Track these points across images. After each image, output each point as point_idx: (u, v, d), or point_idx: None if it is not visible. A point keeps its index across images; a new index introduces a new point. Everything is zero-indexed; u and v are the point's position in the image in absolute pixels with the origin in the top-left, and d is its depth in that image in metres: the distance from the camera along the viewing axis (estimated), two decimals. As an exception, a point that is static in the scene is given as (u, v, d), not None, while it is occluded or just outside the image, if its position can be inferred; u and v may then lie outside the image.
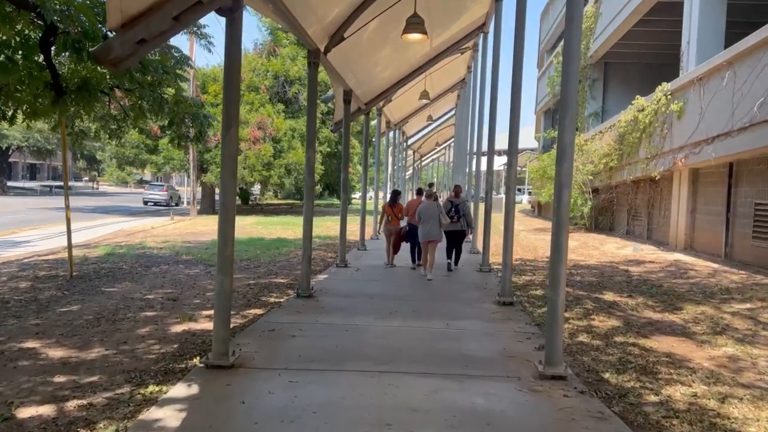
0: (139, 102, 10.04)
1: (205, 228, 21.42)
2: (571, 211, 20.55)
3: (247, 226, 22.35)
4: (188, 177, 29.29)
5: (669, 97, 14.59)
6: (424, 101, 22.44)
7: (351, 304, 7.95)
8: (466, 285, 9.84)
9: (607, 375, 5.18)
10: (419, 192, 12.87)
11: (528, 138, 55.36)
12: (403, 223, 12.05)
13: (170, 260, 12.28)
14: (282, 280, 10.07)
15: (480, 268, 11.49)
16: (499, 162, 55.40)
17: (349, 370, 5.14)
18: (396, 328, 6.73)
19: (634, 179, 17.27)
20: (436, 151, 45.05)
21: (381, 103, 17.91)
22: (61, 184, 62.57)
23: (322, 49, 8.96)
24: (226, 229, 5.17)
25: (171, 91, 9.92)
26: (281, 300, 8.31)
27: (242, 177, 27.25)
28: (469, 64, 20.59)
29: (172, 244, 15.37)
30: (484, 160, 20.27)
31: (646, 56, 23.16)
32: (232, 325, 6.86)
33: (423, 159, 47.34)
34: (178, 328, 6.72)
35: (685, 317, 7.47)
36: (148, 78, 9.45)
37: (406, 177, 39.93)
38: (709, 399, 4.52)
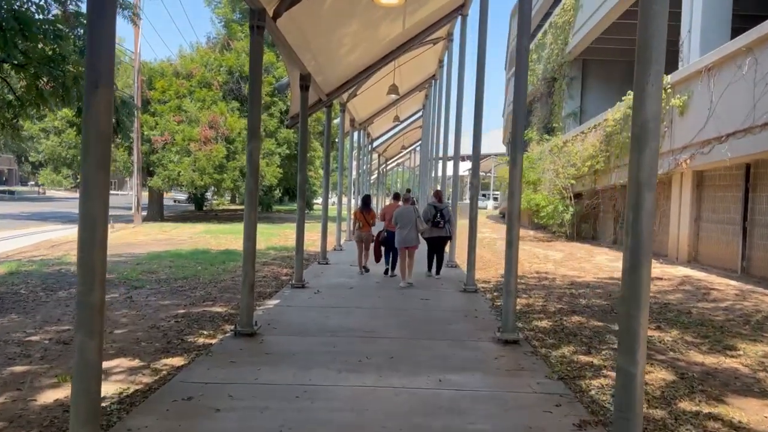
0: (36, 82, 7.86)
1: (146, 238, 19.03)
2: (551, 219, 18.97)
3: (194, 235, 20.03)
4: (132, 180, 26.68)
5: (669, 91, 13.03)
6: (392, 98, 20.59)
7: (306, 347, 5.93)
8: (451, 312, 7.92)
9: (705, 485, 3.30)
10: (396, 197, 11.85)
11: (494, 142, 54.24)
12: (375, 229, 11.33)
13: (86, 281, 10.01)
14: (220, 309, 7.95)
15: (464, 288, 9.60)
16: (464, 167, 54.29)
17: (296, 489, 3.15)
18: (369, 390, 4.73)
19: (624, 183, 15.69)
20: (401, 154, 43.30)
21: (345, 97, 15.95)
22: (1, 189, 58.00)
23: (270, 12, 6.94)
24: (90, 255, 3.12)
25: (75, 69, 7.73)
26: (213, 341, 6.23)
27: (192, 181, 24.85)
28: (441, 58, 18.85)
29: (98, 258, 13.03)
30: (451, 164, 18.51)
31: (628, 53, 21.76)
32: (132, 389, 4.78)
33: (388, 163, 45.50)
34: (49, 397, 4.58)
35: (747, 362, 5.69)
36: (41, 47, 7.31)
37: (371, 181, 37.94)
38: None
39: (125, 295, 8.81)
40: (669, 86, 13.04)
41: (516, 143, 6.30)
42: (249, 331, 6.29)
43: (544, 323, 7.33)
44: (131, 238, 18.74)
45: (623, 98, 15.18)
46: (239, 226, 26.06)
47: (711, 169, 11.99)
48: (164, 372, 5.21)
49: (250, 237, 6.42)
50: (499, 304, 8.57)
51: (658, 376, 5.21)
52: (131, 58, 26.01)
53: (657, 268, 12.30)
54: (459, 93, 13.27)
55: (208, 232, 21.51)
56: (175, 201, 41.80)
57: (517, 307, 8.24)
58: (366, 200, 11.72)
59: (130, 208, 37.94)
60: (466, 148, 16.22)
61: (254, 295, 6.83)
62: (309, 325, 6.88)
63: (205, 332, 6.64)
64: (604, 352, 5.94)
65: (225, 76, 26.88)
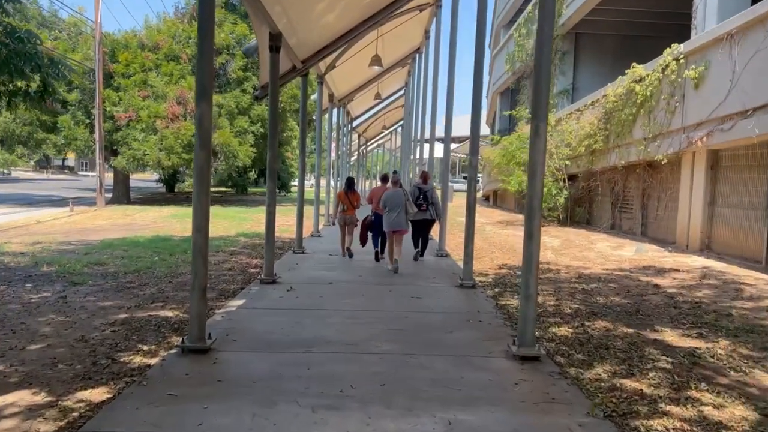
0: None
1: (105, 222, 17.45)
2: (544, 202, 17.76)
3: (159, 220, 18.48)
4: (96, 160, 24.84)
5: (682, 62, 11.79)
6: (374, 72, 19.20)
7: (271, 369, 4.60)
8: (450, 314, 6.63)
9: None
10: (384, 179, 11.09)
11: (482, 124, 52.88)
12: (360, 212, 10.83)
13: (18, 275, 8.53)
14: (170, 313, 6.57)
15: (461, 283, 8.30)
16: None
17: None
18: (355, 443, 3.43)
19: (625, 164, 14.50)
20: (382, 135, 41.83)
21: (323, 68, 14.50)
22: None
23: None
24: None
25: None
26: (152, 361, 4.86)
27: (158, 161, 23.17)
28: (427, 28, 17.44)
29: (43, 246, 11.51)
30: (434, 146, 17.10)
31: (624, 26, 20.55)
32: (19, 446, 3.40)
33: (369, 144, 44.02)
34: None
35: (832, 386, 4.50)
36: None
37: (350, 163, 36.35)
38: None
39: (59, 294, 7.37)
40: (681, 56, 11.81)
41: (539, 107, 4.97)
42: (200, 346, 4.93)
43: (564, 330, 6.08)
44: (89, 223, 17.14)
45: (626, 71, 13.94)
46: (210, 210, 24.26)
47: (730, 148, 10.82)
48: (75, 414, 3.85)
49: (200, 227, 5.02)
50: (504, 303, 7.33)
51: (734, 413, 3.97)
52: (92, 28, 24.10)
53: (669, 257, 11.17)
54: (451, 61, 11.91)
55: (176, 216, 19.95)
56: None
57: (526, 308, 7.04)
58: (350, 182, 11.21)
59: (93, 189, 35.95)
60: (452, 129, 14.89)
61: (209, 298, 5.49)
62: (277, 336, 5.54)
63: (144, 347, 5.27)
64: (651, 375, 4.69)
65: (194, 49, 25.06)
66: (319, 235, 14.59)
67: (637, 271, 9.77)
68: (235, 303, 6.89)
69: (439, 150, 30.65)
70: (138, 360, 4.93)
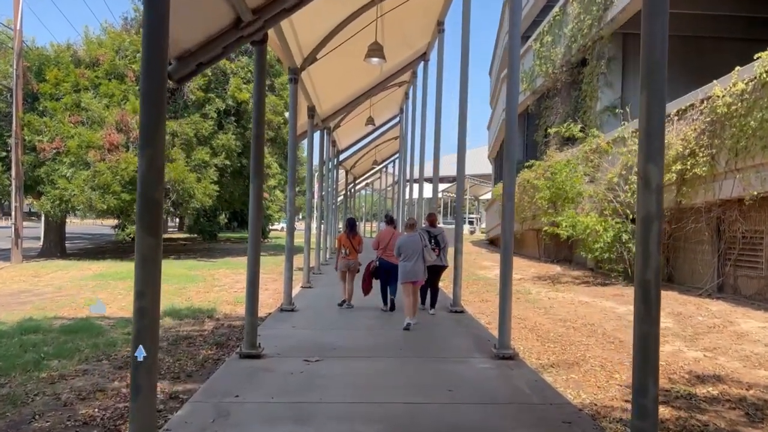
0: None
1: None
2: (607, 252, 12.90)
3: (71, 283, 13.22)
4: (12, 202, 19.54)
5: None
6: (368, 84, 14.69)
7: None
8: None
9: None
10: (390, 220, 9.84)
11: (477, 161, 48.45)
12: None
13: None
14: None
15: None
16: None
17: None
18: None
19: (758, 195, 9.66)
20: (373, 171, 37.09)
21: (297, 60, 9.72)
22: None
23: None
24: None
25: None
26: None
27: (89, 203, 18.00)
28: (441, 18, 12.93)
29: None
30: (464, 184, 12.26)
31: (685, 24, 16.17)
32: None
33: (357, 182, 39.21)
34: None
35: None
36: None
37: (336, 204, 31.06)
38: None
39: None
40: None
41: None
42: None
43: None
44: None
45: (757, 56, 9.28)
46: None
47: None
48: None
49: None
50: None
51: None
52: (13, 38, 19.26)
53: None
54: (512, 55, 7.11)
55: (101, 276, 14.71)
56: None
57: None
58: (351, 223, 10.07)
59: (38, 238, 30.29)
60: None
61: None
62: None
63: None
64: None
65: (143, 65, 20.28)
66: (292, 309, 9.38)
67: None
68: None
69: (433, 189, 25.79)
70: None
